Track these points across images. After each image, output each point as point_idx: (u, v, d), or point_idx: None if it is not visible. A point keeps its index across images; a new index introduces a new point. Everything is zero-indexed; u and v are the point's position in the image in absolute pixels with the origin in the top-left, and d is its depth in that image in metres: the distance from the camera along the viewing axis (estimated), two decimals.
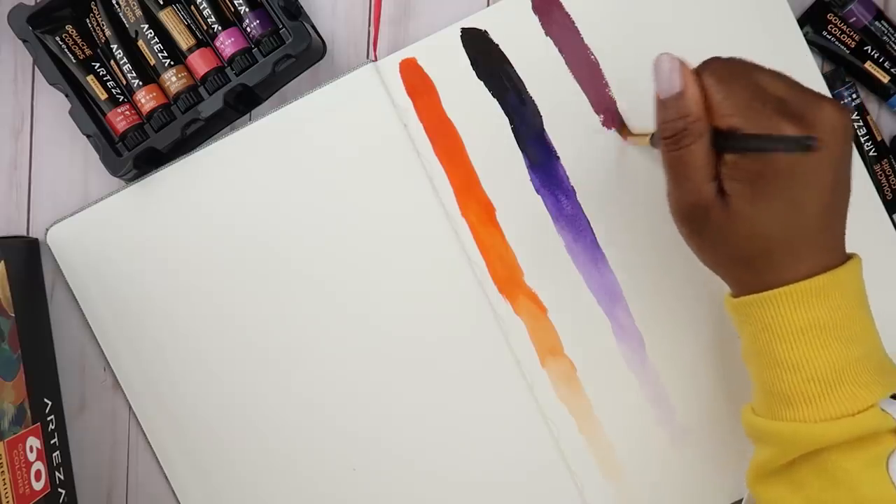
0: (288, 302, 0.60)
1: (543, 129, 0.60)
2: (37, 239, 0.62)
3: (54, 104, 0.61)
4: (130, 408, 0.62)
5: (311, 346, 0.61)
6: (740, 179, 0.44)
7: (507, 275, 0.60)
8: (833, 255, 0.46)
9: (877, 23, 0.60)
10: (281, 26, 0.58)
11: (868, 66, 0.60)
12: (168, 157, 0.60)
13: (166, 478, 0.61)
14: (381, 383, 0.61)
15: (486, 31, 0.60)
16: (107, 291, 0.61)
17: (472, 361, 0.60)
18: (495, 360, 0.60)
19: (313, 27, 0.60)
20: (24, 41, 0.58)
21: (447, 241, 0.60)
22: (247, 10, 0.58)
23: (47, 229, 0.60)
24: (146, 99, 0.58)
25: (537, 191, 0.60)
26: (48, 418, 0.58)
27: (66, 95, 0.58)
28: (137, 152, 0.58)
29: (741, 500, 0.57)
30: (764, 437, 0.48)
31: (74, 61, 0.58)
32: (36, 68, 0.62)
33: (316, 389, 0.61)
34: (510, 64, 0.60)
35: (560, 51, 0.60)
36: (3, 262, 0.56)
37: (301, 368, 0.61)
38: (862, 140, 0.59)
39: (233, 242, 0.60)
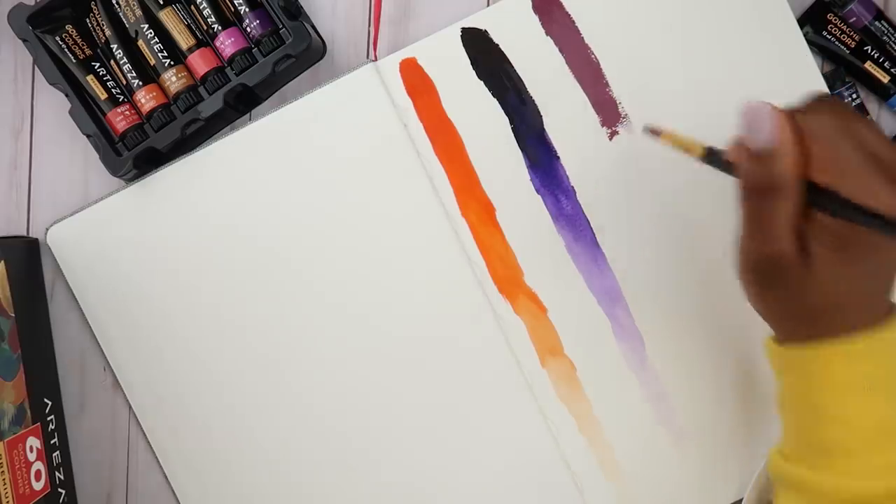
0: (287, 302, 0.60)
1: (543, 129, 0.60)
2: (37, 239, 0.62)
3: (54, 104, 0.61)
4: (130, 408, 0.62)
5: (310, 345, 0.60)
6: (828, 244, 0.43)
7: (507, 275, 0.60)
8: (883, 310, 0.46)
9: (877, 23, 0.60)
10: (281, 26, 0.58)
11: (868, 66, 0.60)
12: (168, 157, 0.60)
13: (166, 478, 0.61)
14: (381, 383, 0.60)
15: (486, 30, 0.60)
16: (107, 291, 0.61)
17: (472, 361, 0.60)
18: (495, 360, 0.60)
19: (313, 27, 0.60)
20: (24, 41, 0.58)
21: (447, 241, 0.60)
22: (247, 9, 0.58)
23: (47, 229, 0.60)
24: (146, 99, 0.58)
25: (537, 190, 0.60)
26: (48, 418, 0.58)
27: (66, 95, 0.58)
28: (137, 152, 0.58)
29: (741, 501, 0.57)
30: (799, 487, 0.47)
31: (74, 61, 0.58)
32: (36, 68, 0.62)
33: (315, 389, 0.60)
34: (510, 64, 0.60)
35: (560, 50, 0.60)
36: (3, 262, 0.56)
37: (300, 368, 0.60)
38: None
39: (233, 242, 0.60)
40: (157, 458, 0.61)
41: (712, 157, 0.49)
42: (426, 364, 0.60)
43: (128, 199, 0.60)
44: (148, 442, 0.61)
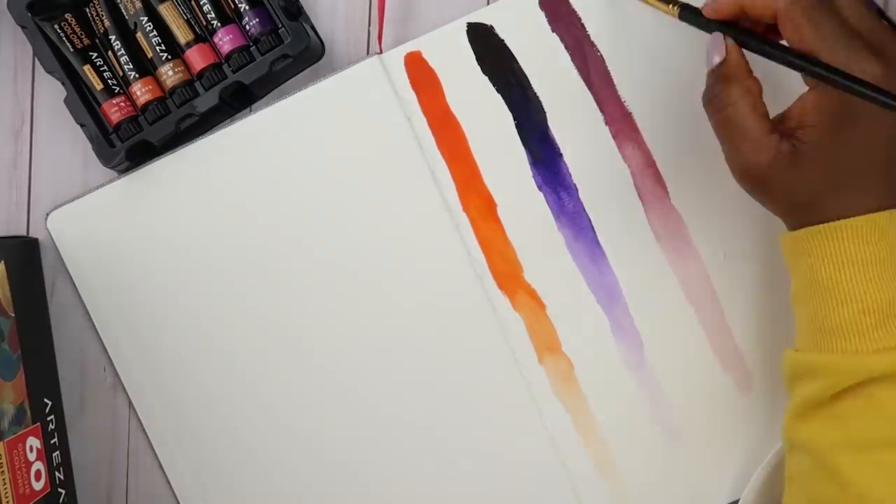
0: (286, 294, 0.60)
1: (547, 126, 0.59)
2: (37, 239, 0.61)
3: (54, 104, 0.61)
4: (130, 408, 0.62)
5: (310, 339, 0.60)
6: (817, 124, 0.45)
7: (506, 270, 0.60)
8: (892, 195, 0.47)
9: None
10: (280, 26, 0.58)
11: None
12: (161, 152, 0.60)
13: (167, 477, 0.61)
14: (378, 377, 0.60)
15: (491, 26, 0.59)
16: (107, 278, 0.60)
17: (469, 356, 0.60)
18: (493, 356, 0.60)
19: (313, 28, 0.60)
20: (23, 27, 0.57)
21: (447, 235, 0.60)
22: (247, 7, 0.57)
23: (47, 214, 0.60)
24: (142, 91, 0.58)
25: (539, 187, 0.60)
26: (48, 418, 0.58)
27: (63, 84, 0.58)
28: (130, 144, 0.58)
29: (737, 501, 0.58)
30: (812, 371, 0.48)
31: (72, 50, 0.58)
32: (36, 68, 0.61)
33: (316, 384, 0.60)
34: (515, 60, 0.59)
35: (566, 47, 0.59)
36: (2, 262, 0.55)
37: (300, 362, 0.60)
38: None
39: (234, 231, 0.60)
40: (156, 454, 0.61)
41: (688, 14, 0.51)
42: (422, 358, 0.60)
43: (131, 185, 0.60)
44: (148, 438, 0.61)
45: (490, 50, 0.59)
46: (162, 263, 0.60)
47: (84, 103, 0.58)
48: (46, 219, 0.60)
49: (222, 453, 0.61)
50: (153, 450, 0.61)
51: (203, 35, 0.59)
